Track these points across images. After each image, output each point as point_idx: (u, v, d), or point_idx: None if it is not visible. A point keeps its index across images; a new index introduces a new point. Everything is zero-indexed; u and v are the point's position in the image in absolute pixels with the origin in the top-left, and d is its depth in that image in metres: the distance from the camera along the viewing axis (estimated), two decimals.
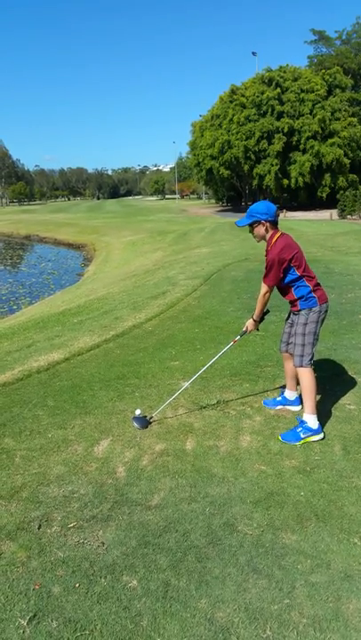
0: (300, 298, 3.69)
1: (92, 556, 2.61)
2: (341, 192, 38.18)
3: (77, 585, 2.42)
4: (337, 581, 2.41)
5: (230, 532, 2.76)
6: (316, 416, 3.67)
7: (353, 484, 3.14)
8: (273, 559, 2.56)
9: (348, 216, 34.24)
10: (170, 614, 2.24)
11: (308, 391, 3.68)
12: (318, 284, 3.73)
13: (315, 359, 4.95)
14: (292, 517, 2.86)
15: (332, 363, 5.13)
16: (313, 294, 3.66)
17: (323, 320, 3.74)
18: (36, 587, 2.41)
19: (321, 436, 3.64)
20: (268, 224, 3.64)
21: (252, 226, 3.70)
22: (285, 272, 3.63)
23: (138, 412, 4.04)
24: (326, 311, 3.76)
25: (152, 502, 3.03)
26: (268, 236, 3.69)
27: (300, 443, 3.58)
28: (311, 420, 3.64)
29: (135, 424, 3.93)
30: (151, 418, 4.01)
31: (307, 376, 3.69)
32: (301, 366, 3.70)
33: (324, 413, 4.04)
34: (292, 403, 4.16)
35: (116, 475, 3.32)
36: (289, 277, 3.66)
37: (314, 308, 3.66)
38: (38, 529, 2.82)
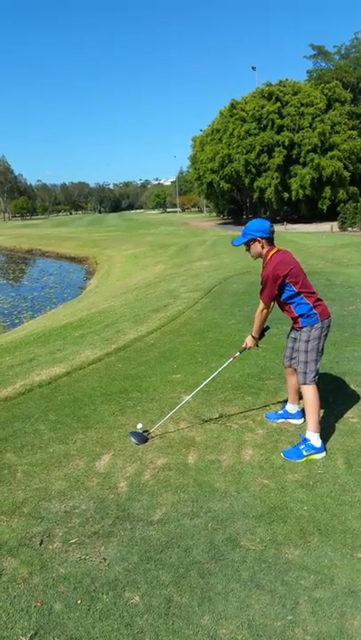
0: (300, 315, 3.65)
1: (94, 572, 2.60)
2: (342, 205, 38.36)
3: (79, 602, 2.40)
4: (341, 597, 2.39)
5: (233, 547, 2.74)
6: (319, 434, 3.63)
7: (356, 498, 3.12)
8: (276, 574, 2.54)
9: (349, 228, 34.34)
10: (172, 631, 2.22)
11: (312, 409, 3.64)
12: (319, 300, 3.70)
13: None
14: (295, 532, 2.84)
15: (335, 375, 5.12)
16: (314, 311, 3.62)
17: (326, 335, 3.71)
18: (38, 603, 2.39)
19: (323, 454, 3.61)
20: (263, 241, 3.66)
21: (247, 244, 3.72)
22: (281, 288, 3.61)
23: (140, 425, 4.03)
24: (329, 326, 3.73)
25: (154, 517, 3.01)
26: (263, 252, 3.70)
27: (302, 461, 3.57)
28: (314, 439, 3.61)
29: (132, 439, 3.91)
30: (148, 433, 3.99)
31: (311, 393, 3.64)
32: (305, 384, 3.66)
33: (326, 427, 4.02)
34: (293, 416, 4.15)
35: (118, 490, 3.31)
36: (286, 294, 3.64)
37: (315, 325, 3.63)
38: (40, 545, 2.81)
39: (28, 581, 2.54)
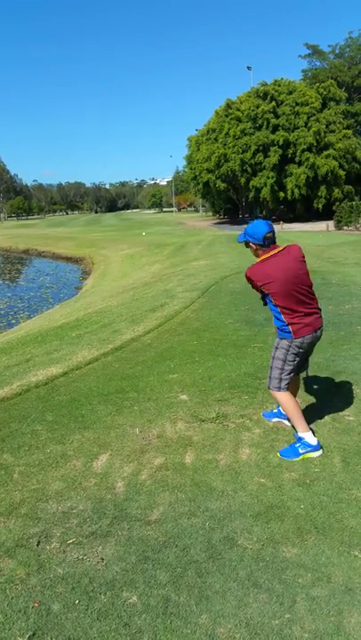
0: (277, 327, 3.63)
1: (92, 572, 2.60)
2: (337, 203, 38.42)
3: (77, 602, 2.40)
4: (338, 595, 2.40)
5: (230, 546, 2.75)
6: (311, 432, 3.63)
7: (353, 497, 3.13)
8: (273, 573, 2.55)
9: (345, 227, 34.39)
10: (170, 630, 2.23)
11: (291, 414, 3.63)
12: (304, 316, 3.53)
13: (312, 373, 4.95)
14: (292, 531, 2.85)
15: (331, 374, 5.14)
16: (288, 327, 3.52)
17: (305, 352, 3.67)
18: (36, 604, 2.39)
19: (320, 452, 3.60)
20: (256, 246, 3.56)
21: (246, 244, 3.66)
22: (264, 295, 3.57)
23: (137, 430, 4.03)
24: (312, 342, 3.64)
25: (151, 517, 3.01)
26: (258, 254, 3.59)
27: (299, 459, 3.57)
28: (308, 437, 3.61)
29: None
30: None
31: (281, 400, 3.65)
32: (269, 388, 3.69)
33: (323, 425, 4.04)
34: (286, 417, 4.14)
35: (115, 490, 3.31)
36: (269, 304, 3.60)
37: (288, 339, 3.56)
38: (37, 545, 2.81)
39: (26, 582, 2.54)
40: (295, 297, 3.49)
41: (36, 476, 3.52)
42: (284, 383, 3.63)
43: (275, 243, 3.58)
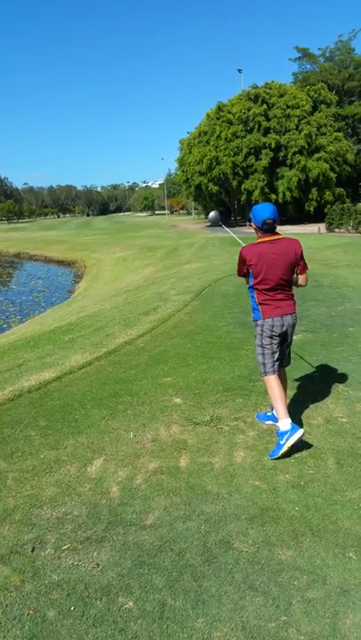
0: (252, 308, 3.89)
1: (87, 577, 2.59)
2: (329, 206, 38.61)
3: (72, 608, 2.39)
4: (333, 597, 2.40)
5: (226, 549, 2.75)
6: (288, 419, 3.63)
7: (347, 498, 3.14)
8: (269, 576, 2.55)
9: (336, 229, 34.58)
10: (167, 635, 2.22)
11: (273, 399, 3.79)
12: (275, 300, 3.75)
13: (305, 374, 4.98)
14: (287, 533, 2.86)
15: (324, 375, 5.16)
16: (258, 307, 3.81)
17: (279, 336, 3.79)
18: (31, 611, 2.38)
19: (299, 432, 3.54)
20: (255, 228, 3.80)
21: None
22: (248, 276, 3.82)
23: (131, 435, 4.02)
24: (282, 326, 3.77)
25: (147, 522, 3.01)
26: (258, 235, 3.82)
27: (284, 450, 3.54)
28: (282, 424, 3.62)
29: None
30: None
31: (268, 385, 3.82)
32: (264, 375, 3.85)
33: (316, 427, 4.05)
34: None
35: (110, 495, 3.30)
36: (249, 284, 3.86)
37: (258, 321, 3.84)
38: (32, 552, 2.79)
39: (21, 589, 2.52)
40: (272, 283, 3.72)
41: (30, 481, 3.50)
42: (268, 367, 3.83)
43: (274, 230, 3.77)
